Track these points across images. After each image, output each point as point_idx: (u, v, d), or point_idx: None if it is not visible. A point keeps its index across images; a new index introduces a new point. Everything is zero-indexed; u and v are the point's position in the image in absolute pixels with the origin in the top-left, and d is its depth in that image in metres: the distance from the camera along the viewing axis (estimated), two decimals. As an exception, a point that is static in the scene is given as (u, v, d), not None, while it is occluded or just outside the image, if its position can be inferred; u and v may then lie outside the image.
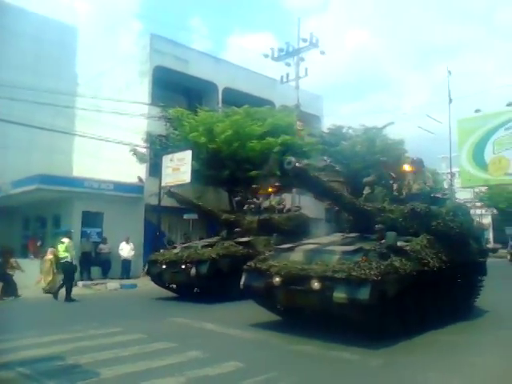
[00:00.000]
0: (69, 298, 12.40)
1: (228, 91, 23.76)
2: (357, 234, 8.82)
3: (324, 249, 8.07)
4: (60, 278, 13.40)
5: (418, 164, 10.22)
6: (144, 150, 19.74)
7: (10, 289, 13.29)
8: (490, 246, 35.97)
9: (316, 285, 7.06)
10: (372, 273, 6.65)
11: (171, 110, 19.62)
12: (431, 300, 8.25)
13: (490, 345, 7.38)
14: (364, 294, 6.61)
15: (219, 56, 25.51)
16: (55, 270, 14.04)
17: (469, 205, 42.96)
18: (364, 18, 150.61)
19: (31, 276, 14.66)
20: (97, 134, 18.82)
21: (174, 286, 13.30)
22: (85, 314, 10.73)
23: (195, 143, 17.83)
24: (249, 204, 14.94)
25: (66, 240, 12.95)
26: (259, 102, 22.20)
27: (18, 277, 13.86)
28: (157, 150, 19.30)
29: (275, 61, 24.50)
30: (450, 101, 28.67)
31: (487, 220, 46.81)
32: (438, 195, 10.04)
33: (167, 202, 18.72)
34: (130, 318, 9.90)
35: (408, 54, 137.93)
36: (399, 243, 7.66)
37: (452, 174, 40.21)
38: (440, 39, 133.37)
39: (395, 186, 10.00)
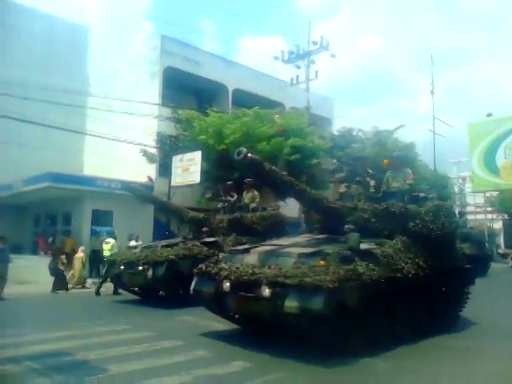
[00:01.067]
0: (116, 292, 13.33)
1: (238, 93, 23.84)
2: (325, 236, 7.94)
3: (281, 251, 7.13)
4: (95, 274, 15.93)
5: (397, 160, 9.65)
6: (154, 151, 19.85)
7: (62, 283, 14.44)
8: (501, 251, 35.72)
9: (266, 291, 6.25)
10: (328, 279, 5.81)
11: (181, 111, 19.69)
12: (406, 311, 7.44)
13: (501, 352, 7.27)
14: (317, 303, 5.76)
15: (230, 58, 25.59)
16: (84, 267, 15.66)
17: (479, 209, 42.87)
18: (376, 22, 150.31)
19: (40, 272, 14.88)
20: (108, 133, 18.97)
21: (136, 288, 12.39)
22: (91, 312, 10.81)
23: (204, 145, 17.89)
24: (223, 202, 13.87)
25: (111, 240, 14.95)
26: (269, 103, 22.24)
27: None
28: (166, 151, 19.40)
29: (285, 63, 24.51)
30: (432, 92, 27.43)
31: (498, 225, 46.44)
32: (420, 194, 9.08)
33: (176, 201, 18.81)
34: (139, 315, 9.99)
35: (420, 58, 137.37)
36: (369, 246, 6.95)
37: (463, 179, 39.99)
38: (451, 44, 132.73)
39: (372, 184, 9.32)
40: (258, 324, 7.70)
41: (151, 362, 6.02)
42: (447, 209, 8.53)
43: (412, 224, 7.79)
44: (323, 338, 6.39)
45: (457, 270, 8.68)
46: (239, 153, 6.37)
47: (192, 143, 18.47)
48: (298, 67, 24.25)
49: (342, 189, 9.29)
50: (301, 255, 6.63)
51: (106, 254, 14.47)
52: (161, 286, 11.44)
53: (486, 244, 27.39)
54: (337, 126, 28.41)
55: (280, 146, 18.04)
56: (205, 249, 11.34)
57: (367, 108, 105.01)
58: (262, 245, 8.01)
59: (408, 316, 7.45)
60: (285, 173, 7.26)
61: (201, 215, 13.37)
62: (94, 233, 18.16)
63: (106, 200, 18.24)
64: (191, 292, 7.67)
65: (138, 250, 11.96)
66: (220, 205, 13.96)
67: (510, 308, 10.80)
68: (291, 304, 5.93)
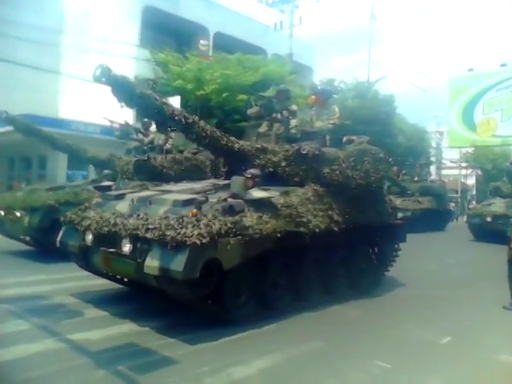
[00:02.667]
0: None
1: (219, 36, 23.18)
2: (228, 181, 6.59)
3: (156, 198, 5.92)
4: None
5: (323, 95, 8.20)
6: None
7: None
8: (472, 206, 36.56)
9: (126, 247, 5.25)
10: (196, 233, 4.72)
11: (160, 53, 19.08)
12: (315, 271, 6.65)
13: (462, 300, 7.62)
14: (178, 263, 4.69)
15: (212, -1, 24.63)
16: None
17: (454, 165, 43.55)
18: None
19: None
20: (83, 74, 18.33)
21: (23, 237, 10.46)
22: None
23: (182, 89, 17.50)
24: (136, 141, 12.32)
25: None
26: (251, 48, 21.73)
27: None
28: (145, 95, 18.92)
29: (270, 7, 23.86)
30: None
31: (472, 181, 47.41)
32: (351, 137, 7.64)
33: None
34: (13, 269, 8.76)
35: (405, 10, 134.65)
36: (266, 193, 5.80)
37: (441, 133, 40.30)
38: (440, 1, 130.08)
39: (294, 123, 7.90)
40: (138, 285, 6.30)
41: (128, 307, 6.11)
42: (374, 154, 7.16)
43: (327, 170, 6.72)
44: (201, 307, 5.46)
45: (384, 226, 7.81)
46: (99, 69, 4.97)
47: (169, 88, 18.04)
48: (282, 12, 23.64)
49: (263, 127, 8.04)
50: (175, 202, 5.52)
51: None
52: (39, 236, 9.59)
53: (456, 199, 28.05)
54: (318, 76, 28.09)
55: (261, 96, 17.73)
56: (96, 194, 8.62)
57: (349, 58, 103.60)
58: (143, 190, 6.96)
59: (318, 276, 6.70)
60: (164, 100, 5.79)
61: (103, 155, 11.48)
62: (69, 177, 17.91)
63: (83, 144, 17.84)
64: (57, 244, 6.50)
65: (20, 194, 10.59)
66: (132, 145, 12.43)
67: (454, 261, 11.71)
68: (151, 263, 4.89)
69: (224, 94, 17.47)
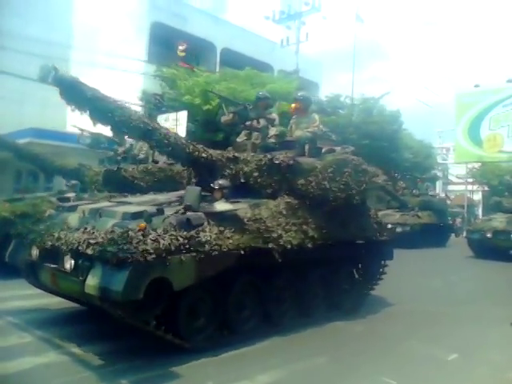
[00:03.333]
0: None
1: (226, 52, 23.41)
2: None
3: (107, 209, 5.38)
4: None
5: (303, 103, 7.70)
6: (139, 109, 19.51)
7: None
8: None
9: (68, 264, 4.77)
10: (140, 249, 4.24)
11: (166, 68, 19.26)
12: (287, 292, 6.10)
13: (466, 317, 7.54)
14: (118, 283, 4.17)
15: (219, 15, 24.91)
16: None
17: (461, 180, 43.41)
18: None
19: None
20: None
21: None
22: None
23: (190, 104, 17.63)
24: (112, 151, 11.71)
25: None
26: (258, 65, 21.90)
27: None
28: (151, 109, 19.06)
29: (276, 23, 24.10)
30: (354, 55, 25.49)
31: (478, 197, 47.15)
32: (334, 147, 7.33)
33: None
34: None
35: (411, 27, 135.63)
36: (231, 206, 5.37)
37: (447, 149, 40.25)
38: (444, 15, 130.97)
39: (274, 132, 7.60)
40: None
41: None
42: (356, 165, 6.53)
43: (302, 181, 6.21)
44: (155, 331, 4.69)
45: (368, 243, 7.20)
46: (46, 69, 4.51)
47: (177, 102, 18.17)
48: (289, 28, 23.88)
49: (241, 137, 7.72)
50: (124, 215, 5.03)
51: None
52: None
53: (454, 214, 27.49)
54: (324, 91, 28.24)
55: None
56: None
57: (356, 73, 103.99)
58: (101, 201, 6.45)
59: (291, 296, 6.17)
60: (120, 103, 5.34)
61: (71, 165, 10.87)
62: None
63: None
64: (6, 258, 6.04)
65: None
66: (108, 154, 11.81)
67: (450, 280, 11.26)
68: (91, 282, 4.39)
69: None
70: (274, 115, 7.92)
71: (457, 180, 44.48)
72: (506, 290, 7.21)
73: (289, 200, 6.07)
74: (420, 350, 5.57)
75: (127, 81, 18.89)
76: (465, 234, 19.45)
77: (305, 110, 7.67)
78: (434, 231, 20.29)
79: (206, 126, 18.17)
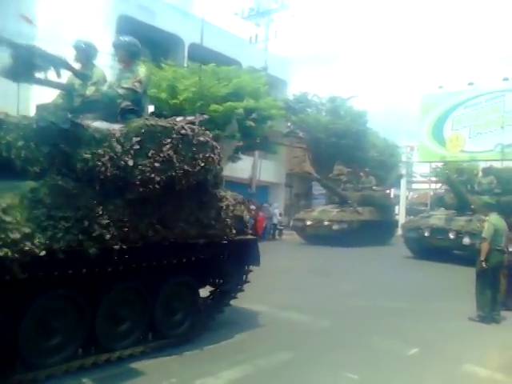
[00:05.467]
0: None
1: (195, 47, 23.14)
2: None
3: None
4: None
5: (124, 50, 5.83)
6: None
7: None
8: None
9: None
10: None
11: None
12: (64, 316, 4.32)
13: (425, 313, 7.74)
14: None
15: (187, 10, 24.65)
16: None
17: (425, 179, 44.41)
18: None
19: None
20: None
21: None
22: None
23: (157, 98, 17.41)
24: None
25: None
26: (226, 61, 21.78)
27: None
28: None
29: (245, 20, 24.09)
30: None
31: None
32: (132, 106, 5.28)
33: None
34: None
35: (378, 28, 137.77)
36: None
37: (412, 148, 41.12)
38: (413, 16, 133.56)
39: (92, 90, 5.55)
40: None
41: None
42: (188, 135, 4.95)
43: (88, 156, 4.31)
44: None
45: (215, 245, 5.46)
46: None
47: (144, 97, 17.91)
48: (258, 25, 23.92)
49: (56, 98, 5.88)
50: None
51: None
52: None
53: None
54: (292, 89, 28.41)
55: (233, 107, 17.80)
56: None
57: (323, 72, 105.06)
58: None
59: (73, 324, 4.37)
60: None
61: None
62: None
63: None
64: None
65: None
66: None
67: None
68: None
69: (197, 104, 17.45)
70: (100, 69, 5.88)
71: (421, 178, 45.51)
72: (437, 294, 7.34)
73: (61, 183, 4.15)
74: (381, 345, 5.68)
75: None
76: (400, 231, 17.45)
77: (128, 61, 5.77)
78: (376, 228, 18.93)
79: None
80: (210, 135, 5.33)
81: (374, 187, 21.25)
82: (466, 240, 13.43)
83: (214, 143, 5.32)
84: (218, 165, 5.35)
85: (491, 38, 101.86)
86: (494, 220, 7.45)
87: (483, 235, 7.27)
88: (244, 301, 6.53)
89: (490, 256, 7.19)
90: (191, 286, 5.58)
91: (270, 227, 21.32)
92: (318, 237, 18.17)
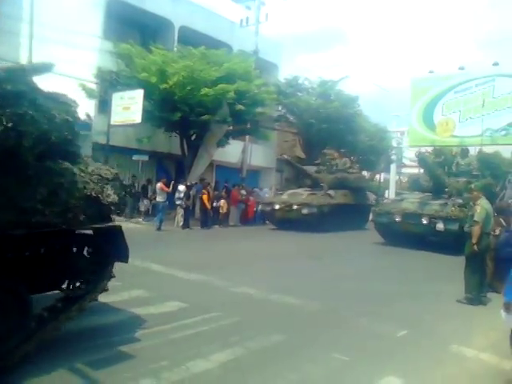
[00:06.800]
0: None
1: (185, 30, 22.88)
2: None
3: None
4: None
5: None
6: (94, 86, 18.91)
7: None
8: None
9: None
10: None
11: (122, 45, 18.67)
12: None
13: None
14: None
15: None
16: None
17: (414, 164, 44.65)
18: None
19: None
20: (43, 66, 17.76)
21: None
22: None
23: (147, 83, 17.24)
24: None
25: None
26: (216, 44, 21.56)
27: None
28: (107, 87, 18.52)
29: (236, 2, 23.86)
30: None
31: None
32: None
33: (116, 141, 18.24)
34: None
35: (371, 11, 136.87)
36: None
37: (402, 133, 41.27)
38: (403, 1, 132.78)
39: None
40: None
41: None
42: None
43: None
44: None
45: (41, 237, 4.10)
46: None
47: (133, 80, 17.73)
48: (249, 8, 23.69)
49: None
50: None
51: None
52: None
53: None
54: (284, 73, 28.27)
55: (224, 91, 17.67)
56: None
57: (316, 56, 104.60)
58: None
59: None
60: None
61: None
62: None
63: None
64: None
65: None
66: None
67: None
68: None
69: (188, 87, 17.29)
70: None
71: (410, 163, 45.73)
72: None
73: None
74: (371, 327, 5.77)
75: (82, 57, 18.23)
76: (371, 216, 16.16)
77: None
78: (350, 212, 18.01)
79: (163, 106, 17.86)
80: (36, 85, 3.95)
81: (349, 170, 20.36)
82: (440, 225, 12.80)
83: (42, 93, 3.99)
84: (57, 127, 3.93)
85: (480, 21, 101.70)
86: (485, 204, 7.56)
87: (475, 219, 7.35)
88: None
89: (480, 240, 7.30)
90: (17, 293, 3.98)
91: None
92: (288, 221, 17.50)
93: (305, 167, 20.18)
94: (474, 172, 15.14)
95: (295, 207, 17.31)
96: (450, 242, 12.14)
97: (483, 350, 5.12)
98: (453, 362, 4.84)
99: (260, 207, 19.58)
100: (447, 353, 5.03)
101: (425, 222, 13.14)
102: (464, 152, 16.27)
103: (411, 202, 14.09)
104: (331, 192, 18.12)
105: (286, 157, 20.56)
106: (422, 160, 14.59)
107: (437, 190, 14.27)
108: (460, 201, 13.29)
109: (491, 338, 5.45)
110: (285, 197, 18.38)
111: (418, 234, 13.29)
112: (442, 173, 15.00)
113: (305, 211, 16.98)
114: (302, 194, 18.21)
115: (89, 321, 5.22)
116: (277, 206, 17.77)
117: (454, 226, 12.40)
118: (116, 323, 5.28)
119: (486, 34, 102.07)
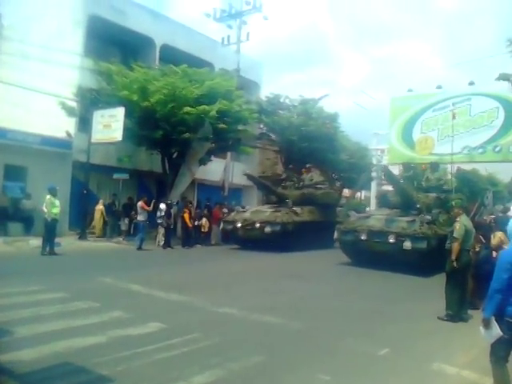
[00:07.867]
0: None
1: (166, 48, 22.97)
2: None
3: None
4: None
5: None
6: (74, 104, 18.79)
7: None
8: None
9: None
10: None
11: (102, 63, 18.64)
12: None
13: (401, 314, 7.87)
14: None
15: (159, 11, 24.44)
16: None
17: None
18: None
19: None
20: (23, 82, 17.63)
21: None
22: (4, 272, 10.29)
23: (128, 100, 17.19)
24: None
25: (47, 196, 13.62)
26: (198, 62, 21.69)
27: None
28: (87, 105, 18.43)
29: (217, 22, 24.08)
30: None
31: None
32: None
33: (97, 159, 18.11)
34: (53, 275, 9.66)
35: (351, 33, 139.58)
36: None
37: (382, 151, 41.78)
38: (383, 22, 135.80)
39: None
40: None
41: (64, 324, 5.87)
42: None
43: None
44: None
45: None
46: None
47: (114, 98, 17.67)
48: (230, 27, 23.93)
49: None
50: None
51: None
52: None
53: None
54: (265, 91, 28.50)
55: (206, 110, 17.69)
56: None
57: (295, 76, 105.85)
58: None
59: None
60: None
61: None
62: (6, 188, 17.14)
63: (21, 155, 17.13)
64: None
65: None
66: None
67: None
68: None
69: (169, 106, 17.30)
70: None
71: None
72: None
73: None
74: (353, 346, 5.75)
75: (62, 75, 18.12)
76: (335, 235, 14.17)
77: None
78: (316, 230, 16.94)
79: (144, 124, 17.81)
80: None
81: (317, 185, 19.55)
82: (407, 244, 11.95)
83: None
84: None
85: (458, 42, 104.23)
86: (465, 221, 7.64)
87: (455, 235, 7.42)
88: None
89: (461, 256, 7.37)
90: None
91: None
92: (250, 240, 16.77)
93: (268, 183, 19.59)
94: (444, 187, 14.70)
95: (257, 225, 16.47)
96: (418, 262, 11.67)
97: (464, 367, 5.13)
98: (434, 379, 4.84)
99: (221, 225, 18.29)
100: (429, 370, 5.03)
101: (391, 240, 12.22)
102: (434, 166, 15.67)
103: (378, 218, 13.20)
104: (297, 209, 17.30)
105: (247, 172, 19.54)
106: (387, 174, 14.00)
107: (405, 205, 13.49)
108: (429, 217, 12.44)
109: (472, 355, 5.48)
110: (247, 214, 17.43)
111: (385, 253, 12.35)
112: (410, 188, 14.23)
113: (268, 229, 16.17)
114: (266, 211, 17.36)
115: (66, 343, 5.12)
116: (238, 224, 16.88)
117: (422, 245, 11.80)
118: (95, 345, 5.16)
119: (461, 52, 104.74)
